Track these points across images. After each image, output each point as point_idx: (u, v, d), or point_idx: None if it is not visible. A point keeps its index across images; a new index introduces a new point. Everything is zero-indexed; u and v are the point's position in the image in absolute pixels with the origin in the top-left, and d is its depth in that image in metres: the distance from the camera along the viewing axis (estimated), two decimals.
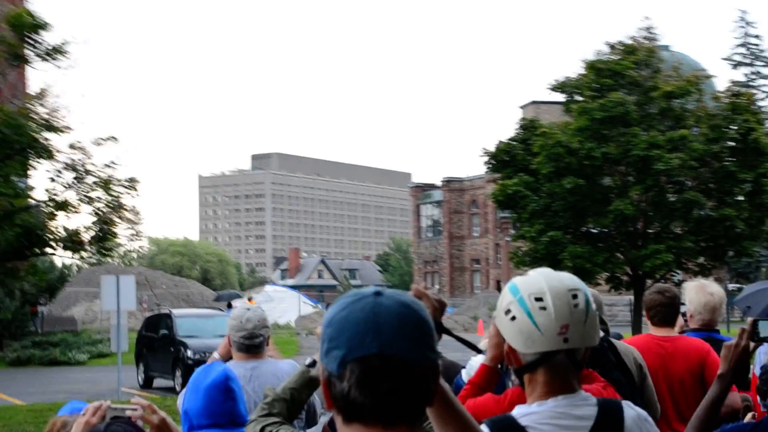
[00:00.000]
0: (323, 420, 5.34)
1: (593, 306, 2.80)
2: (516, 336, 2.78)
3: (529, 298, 2.75)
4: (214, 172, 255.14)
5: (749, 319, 4.01)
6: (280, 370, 5.85)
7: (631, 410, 2.86)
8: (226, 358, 6.10)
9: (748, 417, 5.36)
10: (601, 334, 5.17)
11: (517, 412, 2.80)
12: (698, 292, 6.68)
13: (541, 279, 2.80)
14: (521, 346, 2.78)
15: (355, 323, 1.81)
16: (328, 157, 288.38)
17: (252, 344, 5.89)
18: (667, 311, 6.30)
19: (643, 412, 2.91)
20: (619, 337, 6.63)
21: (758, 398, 7.34)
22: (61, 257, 38.71)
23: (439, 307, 2.59)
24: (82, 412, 3.49)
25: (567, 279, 2.81)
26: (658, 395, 5.89)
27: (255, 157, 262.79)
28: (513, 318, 2.78)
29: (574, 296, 2.75)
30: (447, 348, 1.79)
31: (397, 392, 1.81)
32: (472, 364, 5.02)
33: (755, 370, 6.57)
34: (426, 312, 1.89)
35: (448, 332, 2.54)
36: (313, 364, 3.90)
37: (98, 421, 3.42)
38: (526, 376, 2.83)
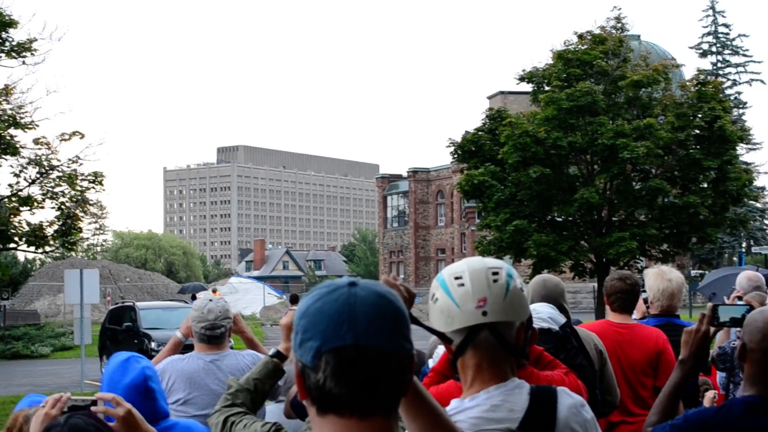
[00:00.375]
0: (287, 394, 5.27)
1: (518, 286, 2.75)
2: (438, 317, 2.76)
3: (449, 278, 2.75)
4: (179, 166, 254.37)
5: (709, 305, 4.01)
6: (240, 362, 5.83)
7: (567, 397, 2.82)
8: (188, 337, 6.08)
9: (709, 397, 5.39)
10: (563, 320, 5.19)
11: (450, 407, 2.75)
12: (657, 279, 6.74)
13: (464, 262, 2.80)
14: (443, 325, 2.75)
15: (330, 314, 1.78)
16: (295, 150, 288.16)
17: (213, 335, 5.85)
18: (627, 298, 6.36)
19: (579, 399, 2.88)
20: (578, 323, 6.65)
21: (717, 380, 7.42)
22: (25, 252, 38.46)
23: (408, 298, 2.55)
24: (41, 404, 3.43)
25: (491, 262, 2.79)
26: (617, 381, 5.93)
27: (221, 150, 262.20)
28: (436, 300, 2.77)
29: (494, 273, 2.73)
30: (413, 337, 1.76)
31: (372, 383, 1.77)
32: (438, 353, 5.03)
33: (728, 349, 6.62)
34: (401, 302, 1.86)
35: (418, 322, 2.50)
36: (276, 354, 3.87)
37: (58, 413, 3.36)
38: (459, 363, 2.79)
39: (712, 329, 3.92)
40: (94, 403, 3.44)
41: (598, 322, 6.50)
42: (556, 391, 2.82)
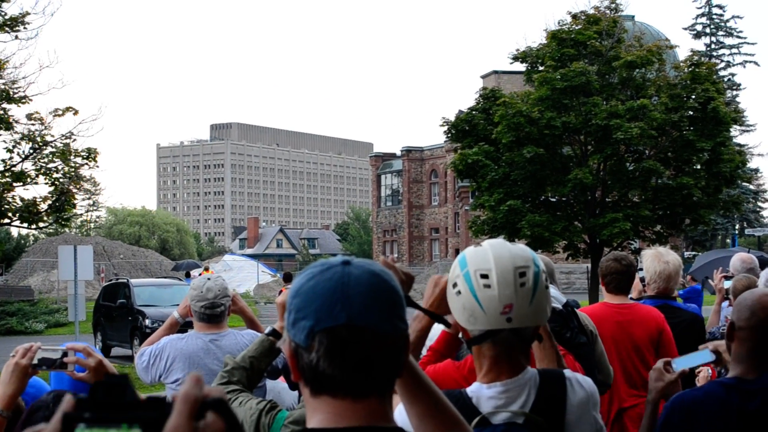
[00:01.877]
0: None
1: (544, 284, 2.76)
2: (460, 311, 2.77)
3: (475, 275, 2.73)
4: (172, 142, 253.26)
5: (661, 361, 4.08)
6: (240, 341, 5.82)
7: (580, 390, 2.88)
8: (185, 317, 6.06)
9: (703, 376, 5.43)
10: (564, 299, 5.23)
11: (472, 390, 2.82)
12: (654, 261, 6.75)
13: (490, 254, 2.76)
14: (465, 322, 2.77)
15: (323, 293, 1.77)
16: (289, 127, 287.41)
17: (213, 314, 5.82)
18: (622, 279, 6.36)
19: (593, 392, 2.93)
20: (576, 305, 6.67)
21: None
22: (18, 228, 38.40)
23: (406, 281, 2.55)
24: (11, 353, 3.45)
25: (518, 255, 2.76)
26: (615, 362, 5.97)
27: (214, 127, 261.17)
28: (459, 293, 2.77)
29: (522, 274, 2.71)
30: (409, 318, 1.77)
31: (366, 363, 1.77)
32: (432, 335, 5.05)
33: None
34: (396, 281, 1.85)
35: (416, 306, 2.51)
36: (272, 332, 3.89)
37: (28, 363, 3.38)
38: (474, 348, 2.83)
39: (676, 371, 3.99)
40: (65, 354, 3.45)
41: (596, 305, 6.51)
42: (566, 384, 2.87)
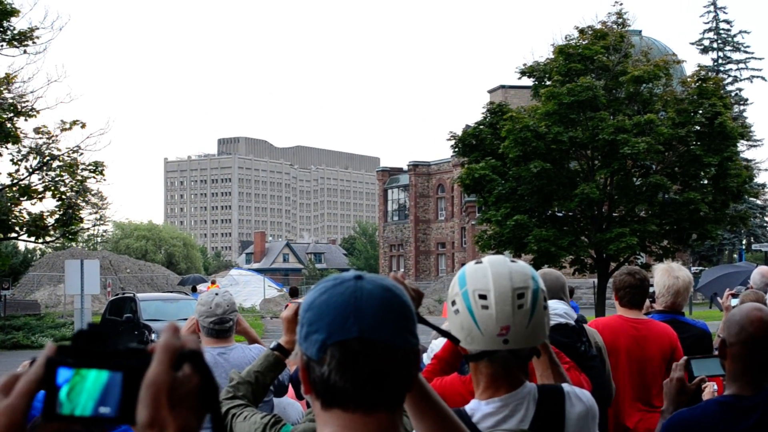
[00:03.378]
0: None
1: (542, 304, 2.76)
2: (458, 330, 2.77)
3: (473, 295, 2.73)
4: (180, 157, 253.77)
5: (683, 359, 4.04)
6: (248, 355, 5.82)
7: (578, 404, 2.88)
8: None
9: (708, 391, 5.42)
10: (575, 314, 5.24)
11: (470, 407, 2.81)
12: (664, 275, 6.74)
13: (489, 274, 2.75)
14: (462, 340, 2.77)
15: (336, 307, 1.77)
16: (296, 142, 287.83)
17: (222, 329, 5.83)
18: (636, 293, 6.35)
19: (591, 405, 2.93)
20: (584, 320, 6.67)
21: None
22: (25, 242, 38.44)
23: (416, 297, 2.53)
24: (19, 368, 3.44)
25: (517, 275, 2.75)
26: (629, 376, 5.97)
27: (222, 141, 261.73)
28: (457, 311, 2.77)
29: (520, 295, 2.71)
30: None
31: (377, 377, 1.76)
32: (433, 348, 5.05)
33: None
34: (407, 296, 1.85)
35: (426, 322, 2.51)
36: (277, 347, 3.90)
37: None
38: (472, 366, 2.83)
39: (696, 379, 3.97)
40: None
41: (612, 317, 6.49)
42: (564, 399, 2.87)
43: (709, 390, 5.48)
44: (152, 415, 1.27)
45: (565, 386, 2.94)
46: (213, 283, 48.86)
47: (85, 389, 1.28)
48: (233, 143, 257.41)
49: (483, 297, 2.72)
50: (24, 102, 31.56)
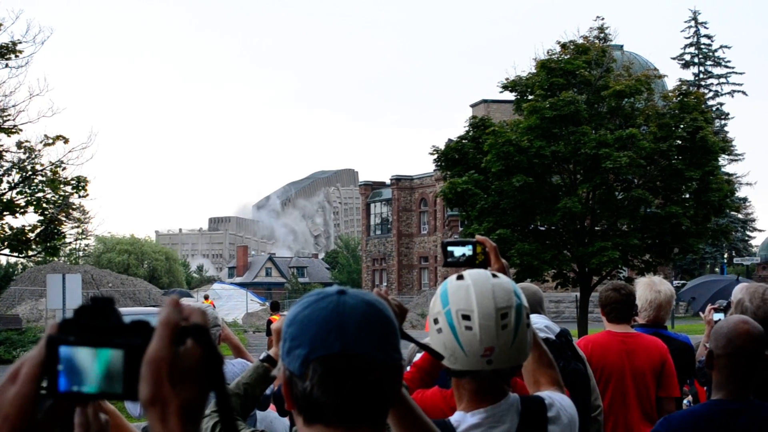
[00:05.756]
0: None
1: (525, 321, 2.76)
2: (441, 349, 2.75)
3: (457, 315, 2.72)
4: (171, 229, 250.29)
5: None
6: (231, 371, 5.81)
7: (561, 413, 2.89)
8: None
9: (684, 405, 5.47)
10: (558, 329, 5.25)
11: (455, 419, 2.81)
12: (646, 289, 6.79)
13: (472, 294, 2.73)
14: (445, 359, 2.76)
15: (318, 322, 1.77)
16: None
17: None
18: (623, 308, 6.39)
19: (573, 415, 2.94)
20: (568, 333, 6.68)
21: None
22: (7, 256, 38.22)
23: (399, 313, 2.53)
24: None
25: (500, 292, 2.75)
26: (622, 390, 6.00)
27: (213, 221, 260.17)
28: (440, 330, 2.76)
29: (504, 315, 2.70)
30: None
31: (360, 392, 1.76)
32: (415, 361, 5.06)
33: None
34: (390, 312, 1.85)
35: (409, 338, 2.50)
36: (267, 359, 3.88)
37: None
38: (454, 382, 2.83)
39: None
40: None
41: (601, 333, 6.52)
42: (546, 413, 2.87)
43: (685, 405, 5.52)
44: (153, 391, 1.28)
45: (546, 396, 2.95)
46: (206, 297, 48.79)
47: (88, 367, 1.29)
48: (224, 222, 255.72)
49: (466, 317, 2.70)
50: (6, 116, 31.43)
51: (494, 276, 2.82)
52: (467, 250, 3.35)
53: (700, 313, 8.20)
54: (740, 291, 5.50)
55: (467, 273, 2.83)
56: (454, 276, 2.86)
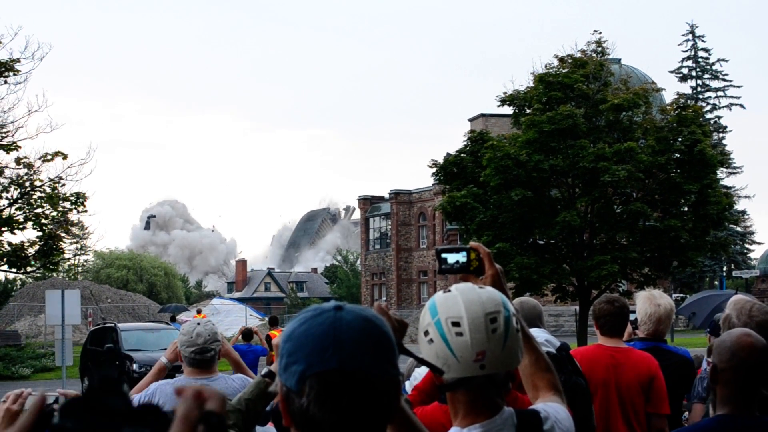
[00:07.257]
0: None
1: (515, 327, 2.76)
2: (433, 359, 2.74)
3: (446, 323, 2.71)
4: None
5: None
6: (231, 386, 5.78)
7: (556, 427, 2.88)
8: (173, 362, 6.04)
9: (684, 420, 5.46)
10: (558, 343, 5.23)
11: None
12: (646, 303, 6.75)
13: (460, 301, 2.74)
14: (438, 368, 2.76)
15: (315, 338, 1.76)
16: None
17: (203, 359, 5.78)
18: (616, 321, 6.35)
19: (569, 427, 2.94)
20: (568, 347, 6.66)
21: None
22: (6, 272, 38.22)
23: (399, 328, 2.52)
24: (2, 399, 3.44)
25: (488, 300, 2.75)
26: (609, 405, 5.96)
27: None
28: (431, 341, 2.74)
29: (493, 320, 2.70)
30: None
31: (357, 408, 1.75)
32: (416, 375, 5.05)
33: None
34: (387, 327, 1.84)
35: (408, 353, 2.50)
36: (268, 374, 3.86)
37: (18, 409, 3.38)
38: (449, 394, 2.82)
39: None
40: (57, 400, 3.46)
41: (590, 347, 6.49)
42: (540, 415, 2.87)
43: (684, 419, 5.51)
44: None
45: (541, 408, 2.95)
46: (199, 312, 48.72)
47: None
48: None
49: (456, 324, 2.70)
50: (5, 132, 31.48)
51: (480, 288, 2.84)
52: (461, 257, 3.34)
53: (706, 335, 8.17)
54: (728, 307, 5.51)
55: (453, 286, 2.84)
56: (441, 290, 2.87)
